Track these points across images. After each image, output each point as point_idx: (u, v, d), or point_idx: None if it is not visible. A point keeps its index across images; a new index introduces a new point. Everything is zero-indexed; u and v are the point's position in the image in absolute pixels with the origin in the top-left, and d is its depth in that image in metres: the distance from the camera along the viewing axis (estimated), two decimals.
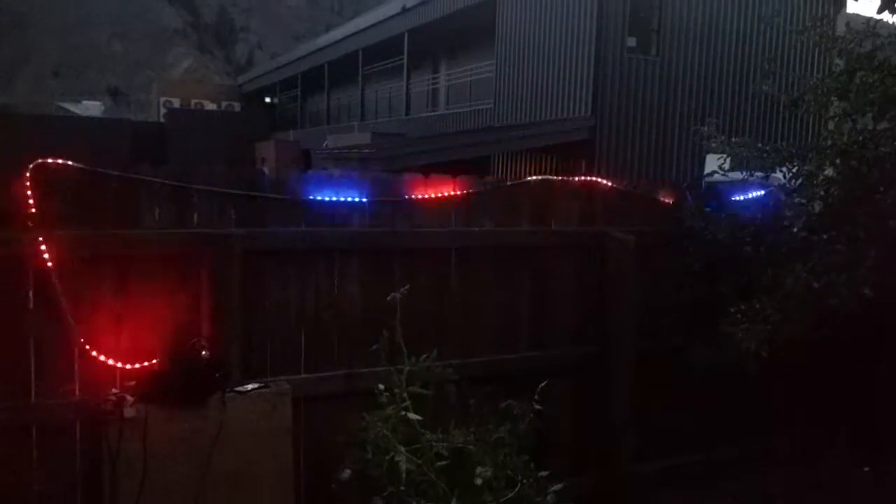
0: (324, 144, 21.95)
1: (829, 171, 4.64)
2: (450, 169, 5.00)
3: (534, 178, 4.79)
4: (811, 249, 4.37)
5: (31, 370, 3.42)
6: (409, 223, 4.29)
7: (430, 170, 4.75)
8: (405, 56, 22.44)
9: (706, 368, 4.62)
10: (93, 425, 3.41)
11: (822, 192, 4.59)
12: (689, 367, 4.69)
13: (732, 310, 4.33)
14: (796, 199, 4.62)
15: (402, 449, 3.25)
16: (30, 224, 3.33)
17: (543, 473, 3.53)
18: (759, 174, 4.93)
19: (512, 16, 17.08)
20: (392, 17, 22.86)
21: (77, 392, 3.49)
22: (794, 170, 4.75)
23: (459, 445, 3.40)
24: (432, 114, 22.54)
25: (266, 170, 4.88)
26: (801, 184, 4.71)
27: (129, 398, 3.32)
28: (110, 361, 3.47)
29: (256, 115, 38.70)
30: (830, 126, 5.03)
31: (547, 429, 3.75)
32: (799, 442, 5.21)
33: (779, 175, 4.88)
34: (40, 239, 3.33)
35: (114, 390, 3.41)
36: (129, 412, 3.26)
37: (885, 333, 4.82)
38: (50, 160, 3.44)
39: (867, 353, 5.06)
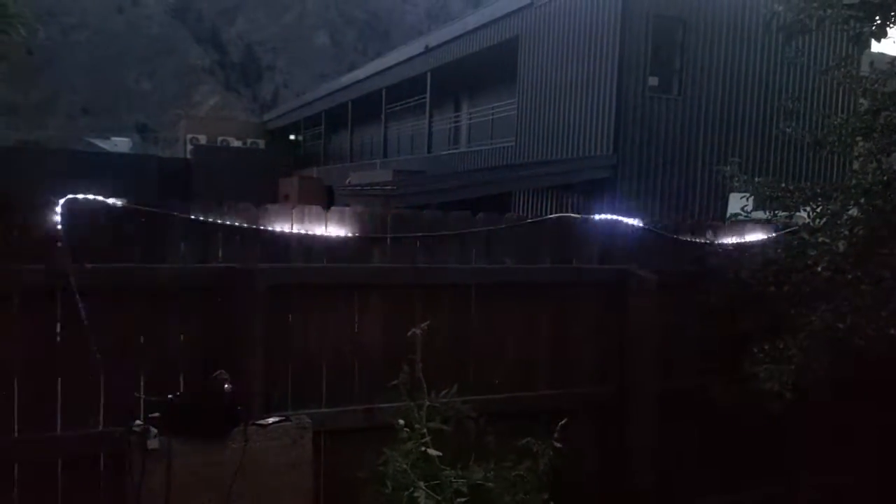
0: (347, 181, 22.16)
1: (853, 211, 4.60)
2: (471, 206, 5.04)
3: (555, 215, 4.81)
4: (836, 289, 4.33)
5: (57, 401, 3.46)
6: (429, 259, 4.32)
7: (452, 207, 4.78)
8: (427, 94, 22.69)
9: (729, 408, 4.56)
10: (116, 457, 3.43)
11: (846, 232, 4.55)
12: (711, 406, 4.64)
13: (755, 349, 4.29)
14: (820, 239, 4.58)
15: (422, 485, 3.23)
16: (59, 257, 3.40)
17: None
18: (782, 214, 4.91)
19: (534, 55, 17.26)
20: (415, 56, 23.19)
21: (101, 423, 3.52)
22: (819, 209, 4.73)
23: (479, 482, 3.38)
24: (454, 151, 22.70)
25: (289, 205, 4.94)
26: (825, 223, 4.68)
27: (153, 430, 3.33)
28: (134, 393, 3.50)
29: (280, 152, 39.23)
30: (855, 166, 5.01)
31: (566, 468, 3.71)
32: (830, 489, 5.08)
33: (803, 214, 4.86)
34: (69, 271, 3.39)
35: (137, 422, 3.43)
36: (152, 444, 3.27)
37: None
38: (80, 195, 3.52)
39: None
